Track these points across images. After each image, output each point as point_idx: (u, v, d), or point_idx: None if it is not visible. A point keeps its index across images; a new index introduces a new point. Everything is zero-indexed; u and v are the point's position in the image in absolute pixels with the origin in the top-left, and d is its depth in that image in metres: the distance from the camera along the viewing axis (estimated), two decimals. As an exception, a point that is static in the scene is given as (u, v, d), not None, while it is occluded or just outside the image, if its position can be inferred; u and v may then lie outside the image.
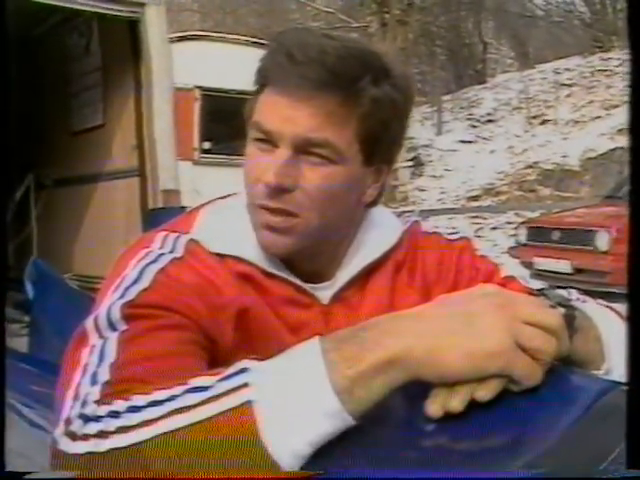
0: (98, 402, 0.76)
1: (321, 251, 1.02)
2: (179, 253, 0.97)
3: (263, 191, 0.95)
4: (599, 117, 16.57)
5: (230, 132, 8.26)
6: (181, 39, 7.87)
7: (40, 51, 5.81)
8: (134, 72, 4.91)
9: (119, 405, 0.74)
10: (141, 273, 0.92)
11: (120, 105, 5.12)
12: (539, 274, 7.87)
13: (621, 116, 14.41)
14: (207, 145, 8.33)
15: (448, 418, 0.73)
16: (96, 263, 5.10)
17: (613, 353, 0.92)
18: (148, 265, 0.94)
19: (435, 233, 1.14)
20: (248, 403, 0.70)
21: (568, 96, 18.05)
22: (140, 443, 0.71)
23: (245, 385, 0.72)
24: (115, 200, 5.22)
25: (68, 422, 0.75)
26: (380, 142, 0.98)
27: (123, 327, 0.85)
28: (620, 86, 16.42)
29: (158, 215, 4.50)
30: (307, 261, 1.01)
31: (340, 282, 1.04)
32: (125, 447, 0.71)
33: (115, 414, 0.73)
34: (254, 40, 8.68)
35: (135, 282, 0.91)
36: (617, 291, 6.00)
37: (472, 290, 0.79)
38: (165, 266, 0.94)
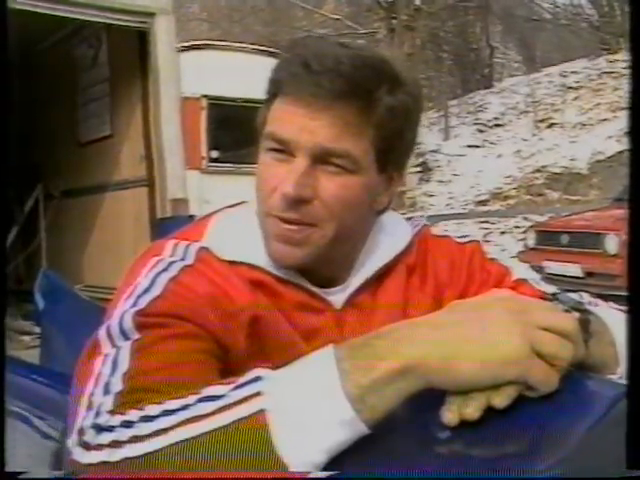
0: (111, 412, 0.75)
1: (334, 258, 1.01)
2: (190, 261, 0.96)
3: (280, 202, 0.93)
4: (606, 120, 16.53)
5: (238, 140, 8.28)
6: (188, 48, 7.89)
7: (49, 63, 5.85)
8: (142, 82, 4.93)
9: (132, 415, 0.74)
10: (153, 282, 0.92)
11: (128, 115, 5.14)
12: (549, 278, 7.85)
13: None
14: (215, 154, 8.34)
15: (464, 425, 0.72)
16: (105, 273, 5.12)
17: (625, 358, 0.90)
18: (159, 274, 0.93)
19: (445, 237, 1.15)
20: (261, 412, 0.70)
21: (575, 99, 18.02)
22: (153, 452, 0.71)
23: (258, 394, 0.72)
24: (124, 210, 5.24)
25: (81, 432, 0.75)
26: (394, 150, 0.99)
27: (135, 336, 0.85)
28: (627, 88, 16.38)
29: (167, 224, 4.51)
30: (319, 268, 1.01)
31: (352, 286, 1.04)
32: (138, 456, 0.71)
33: (128, 424, 0.73)
34: (261, 48, 8.70)
35: (147, 291, 0.91)
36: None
37: (485, 296, 0.79)
38: (176, 274, 0.93)
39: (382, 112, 0.94)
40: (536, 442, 0.70)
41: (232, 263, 0.98)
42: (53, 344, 2.18)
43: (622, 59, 18.27)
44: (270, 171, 0.96)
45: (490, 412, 0.73)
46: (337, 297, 1.03)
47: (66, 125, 5.88)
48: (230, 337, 0.92)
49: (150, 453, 0.71)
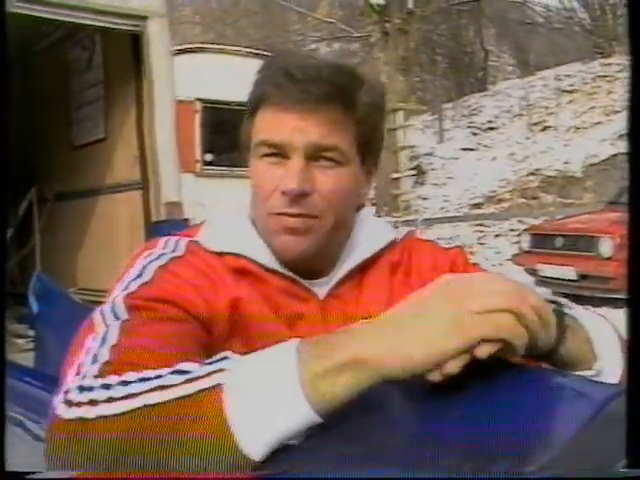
0: (95, 377, 0.83)
1: (327, 248, 1.08)
2: (180, 252, 1.05)
3: (283, 199, 1.02)
4: (600, 123, 16.57)
5: (232, 144, 8.26)
6: (182, 51, 7.89)
7: (43, 65, 5.84)
8: (136, 85, 4.93)
9: (112, 379, 0.81)
10: (143, 269, 1.01)
11: (122, 118, 5.13)
12: (543, 281, 7.86)
13: (622, 122, 14.40)
14: (209, 157, 8.34)
15: (455, 424, 0.74)
16: (100, 276, 5.11)
17: (604, 354, 0.94)
18: (150, 262, 1.02)
19: (429, 240, 1.24)
20: (219, 386, 0.76)
21: (569, 102, 18.06)
22: (123, 413, 0.78)
23: (221, 370, 0.78)
24: (118, 213, 5.23)
25: (67, 392, 0.82)
26: (371, 143, 1.10)
27: (125, 316, 0.92)
28: (621, 92, 16.42)
29: (161, 227, 4.51)
30: (308, 260, 1.07)
31: (336, 278, 1.10)
32: (110, 416, 0.78)
33: (107, 386, 0.81)
34: (255, 52, 8.71)
35: (137, 277, 1.00)
36: (622, 297, 5.99)
37: (429, 287, 0.84)
38: (166, 263, 1.02)
39: (362, 110, 1.05)
40: (526, 444, 0.71)
41: (220, 254, 1.06)
42: (47, 347, 2.18)
43: (616, 62, 18.33)
44: (267, 175, 1.04)
45: (480, 413, 0.74)
46: (321, 288, 1.09)
47: (60, 128, 5.87)
48: (214, 321, 0.99)
49: (120, 414, 0.78)
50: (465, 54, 24.24)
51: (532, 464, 0.68)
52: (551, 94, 18.61)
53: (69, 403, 0.80)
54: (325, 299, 1.09)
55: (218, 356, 0.81)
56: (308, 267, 1.08)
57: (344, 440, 0.77)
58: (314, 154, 1.02)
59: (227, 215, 1.15)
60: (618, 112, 15.98)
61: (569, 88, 18.64)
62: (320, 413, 0.75)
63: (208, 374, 0.78)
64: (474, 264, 1.19)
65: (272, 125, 1.03)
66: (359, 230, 1.15)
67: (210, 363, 0.80)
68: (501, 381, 0.80)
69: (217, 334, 0.98)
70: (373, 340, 0.78)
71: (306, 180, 1.01)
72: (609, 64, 18.74)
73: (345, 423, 0.78)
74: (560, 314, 0.90)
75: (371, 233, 1.15)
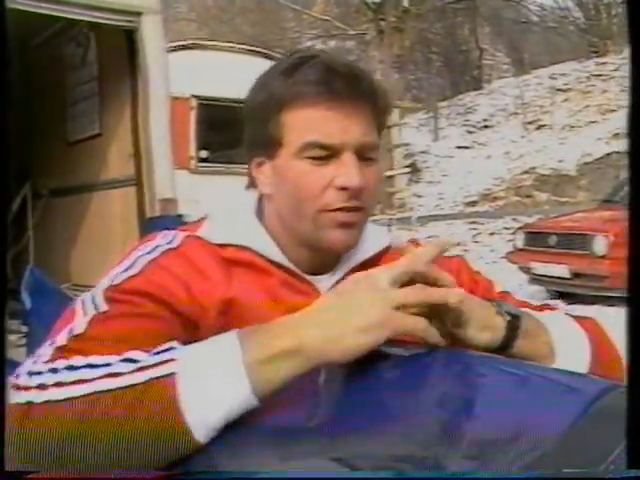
0: (46, 362, 0.85)
1: None
2: (175, 244, 1.05)
3: (339, 195, 1.03)
4: (595, 122, 16.61)
5: (226, 141, 8.28)
6: (177, 48, 7.88)
7: (37, 61, 5.82)
8: (131, 81, 4.91)
9: (59, 363, 0.84)
10: (134, 262, 1.01)
11: (116, 114, 5.12)
12: (537, 279, 7.88)
13: (617, 120, 14.46)
14: (204, 154, 8.34)
15: (446, 420, 0.74)
16: (93, 273, 5.08)
17: (562, 357, 1.02)
18: (143, 255, 1.02)
19: None
20: (172, 375, 0.81)
21: (564, 101, 18.09)
22: (72, 399, 0.80)
23: (171, 360, 0.82)
24: (112, 209, 5.22)
25: (17, 376, 0.84)
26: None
27: (104, 308, 0.94)
28: (616, 90, 16.46)
29: (155, 224, 4.50)
30: (317, 253, 1.08)
31: (339, 274, 1.10)
32: (59, 400, 0.80)
33: (54, 370, 0.83)
34: (250, 48, 8.70)
35: (127, 269, 1.00)
36: (615, 295, 6.00)
37: (348, 282, 0.92)
38: (157, 256, 1.02)
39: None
40: (516, 438, 0.71)
41: (221, 246, 1.06)
42: (40, 343, 2.17)
43: (610, 61, 18.37)
44: (314, 174, 1.03)
45: (470, 408, 0.76)
46: (323, 284, 1.09)
47: (54, 124, 5.85)
48: (201, 316, 1.00)
49: (69, 399, 0.80)
50: (460, 52, 24.26)
51: (520, 460, 0.68)
52: (546, 93, 18.65)
53: (18, 387, 0.82)
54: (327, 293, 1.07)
55: (165, 346, 0.85)
56: (311, 263, 1.09)
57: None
58: (360, 151, 1.03)
59: (231, 210, 1.15)
60: (613, 111, 16.01)
61: (564, 87, 18.67)
62: (261, 397, 0.82)
63: (159, 363, 0.82)
64: (478, 272, 1.22)
65: (319, 125, 1.02)
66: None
67: (158, 352, 0.84)
68: (491, 377, 0.80)
69: (206, 328, 0.98)
70: (313, 328, 0.85)
71: (362, 175, 1.03)
72: (604, 63, 18.78)
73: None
74: (513, 326, 0.98)
75: (373, 234, 1.16)
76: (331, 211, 1.03)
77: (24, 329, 2.33)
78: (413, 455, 0.72)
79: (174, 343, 0.86)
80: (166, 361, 0.82)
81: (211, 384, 0.81)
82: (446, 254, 1.20)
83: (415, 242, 1.22)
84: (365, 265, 1.11)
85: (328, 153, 1.02)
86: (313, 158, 1.03)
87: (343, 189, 1.02)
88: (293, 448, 0.79)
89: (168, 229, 1.11)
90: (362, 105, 1.03)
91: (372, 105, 1.05)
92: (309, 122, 1.02)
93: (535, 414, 0.73)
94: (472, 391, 0.79)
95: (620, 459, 0.68)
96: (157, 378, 0.81)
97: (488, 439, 0.72)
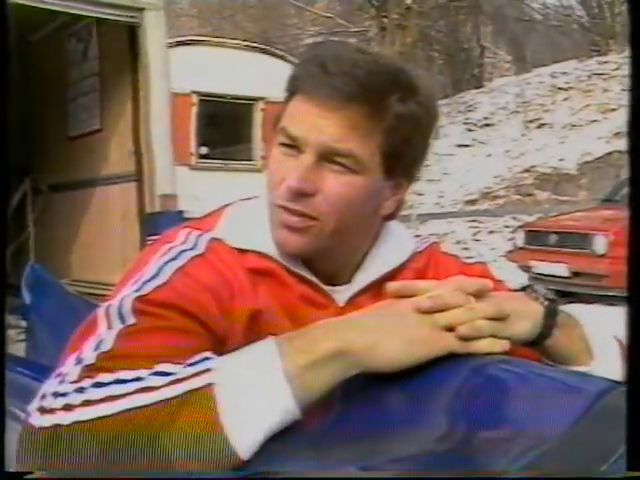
0: (73, 382, 0.80)
1: (337, 253, 1.05)
2: (200, 250, 0.99)
3: (285, 193, 0.98)
4: (596, 121, 16.58)
5: (226, 137, 8.28)
6: (179, 44, 7.88)
7: (38, 56, 5.81)
8: (132, 77, 4.91)
9: (85, 382, 0.79)
10: (160, 269, 0.95)
11: (117, 110, 5.12)
12: (537, 278, 7.87)
13: (618, 120, 14.43)
14: (204, 150, 8.34)
15: (445, 420, 0.74)
16: (93, 268, 5.10)
17: (600, 354, 0.96)
18: (168, 262, 0.96)
19: (454, 255, 1.20)
20: (210, 385, 0.77)
21: (565, 100, 18.07)
22: (103, 417, 0.76)
23: (207, 370, 0.79)
24: (112, 205, 5.22)
25: (43, 398, 0.80)
26: (401, 157, 1.01)
27: (131, 321, 0.88)
28: (617, 89, 16.44)
29: (155, 219, 4.50)
30: (324, 262, 1.04)
31: (357, 286, 1.07)
32: (88, 420, 0.76)
33: (81, 389, 0.78)
34: (252, 45, 8.70)
35: (153, 278, 0.93)
36: (614, 294, 6.00)
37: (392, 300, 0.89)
38: (184, 264, 0.96)
39: (391, 119, 0.97)
40: (517, 437, 0.71)
41: (242, 251, 1.01)
42: (39, 338, 2.17)
43: (612, 60, 18.34)
44: (279, 164, 1.00)
45: (471, 408, 0.75)
46: (341, 295, 1.06)
47: (55, 119, 5.85)
48: (228, 329, 0.95)
49: (100, 418, 0.76)
50: (462, 50, 24.24)
51: (522, 458, 0.68)
52: (547, 91, 18.62)
53: (42, 410, 0.78)
54: (344, 306, 1.05)
55: (199, 357, 0.82)
56: (327, 271, 1.05)
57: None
58: (327, 155, 0.96)
59: (249, 208, 1.09)
60: (614, 110, 15.98)
61: (565, 86, 18.64)
62: (301, 406, 0.78)
63: (196, 374, 0.79)
64: (500, 281, 1.14)
65: (295, 115, 0.99)
66: (384, 240, 1.11)
67: (193, 364, 0.81)
68: (492, 376, 0.80)
69: (231, 341, 0.94)
70: (356, 333, 0.82)
71: (309, 180, 0.96)
72: (605, 62, 18.76)
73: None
74: (551, 311, 0.94)
75: (395, 244, 1.11)
76: (278, 207, 0.99)
77: (23, 324, 2.33)
78: (419, 455, 0.73)
79: (208, 353, 0.82)
80: (202, 372, 0.79)
81: (251, 395, 0.77)
82: (466, 260, 1.19)
83: (437, 244, 1.19)
84: (390, 278, 1.05)
85: (294, 145, 0.98)
86: (284, 146, 0.99)
87: (287, 187, 0.97)
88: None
89: (169, 225, 1.08)
90: (349, 109, 0.95)
91: (368, 111, 0.96)
92: (291, 110, 1.00)
93: (536, 413, 0.73)
94: (473, 390, 0.79)
95: (622, 460, 0.68)
96: (195, 390, 0.77)
97: (486, 440, 0.72)
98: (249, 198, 1.12)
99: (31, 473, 0.79)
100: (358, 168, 0.97)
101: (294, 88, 1.00)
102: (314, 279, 1.04)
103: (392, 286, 0.91)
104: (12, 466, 0.82)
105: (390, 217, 1.09)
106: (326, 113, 0.95)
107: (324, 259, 1.04)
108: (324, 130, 0.95)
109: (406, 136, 0.99)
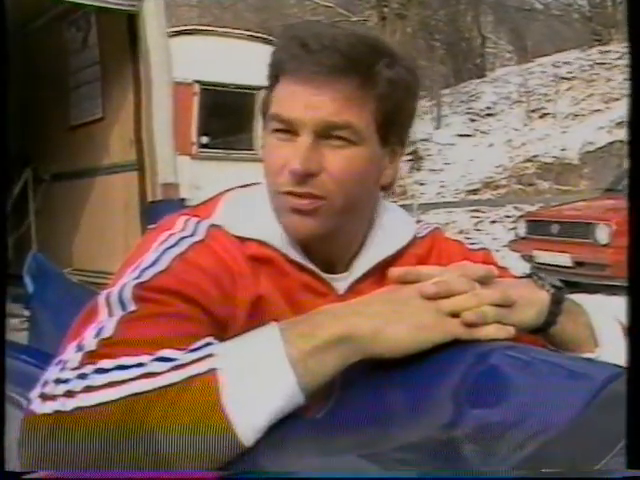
0: (74, 369, 0.80)
1: (341, 234, 1.04)
2: (200, 237, 0.98)
3: (289, 178, 0.97)
4: (598, 110, 16.56)
5: (228, 127, 8.27)
6: (180, 33, 7.86)
7: (38, 45, 5.79)
8: (133, 66, 4.89)
9: (87, 368, 0.79)
10: (160, 256, 0.94)
11: (119, 99, 5.10)
12: (539, 267, 7.87)
13: (620, 109, 14.40)
14: (205, 140, 8.32)
15: (447, 410, 0.74)
16: (95, 257, 5.10)
17: (605, 342, 0.96)
18: (168, 249, 0.95)
19: (457, 241, 1.18)
20: (212, 370, 0.77)
21: (567, 89, 18.04)
22: (105, 403, 0.76)
23: (210, 355, 0.79)
24: (114, 194, 5.21)
25: (44, 385, 0.80)
26: (394, 123, 1.02)
27: (132, 307, 0.87)
28: (619, 79, 16.40)
29: (157, 208, 4.49)
30: (325, 249, 1.03)
31: (356, 274, 1.06)
32: (90, 406, 0.76)
33: (82, 375, 0.78)
34: (252, 34, 8.67)
35: (152, 264, 0.93)
36: (617, 284, 6.00)
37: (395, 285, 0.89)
38: (184, 250, 0.95)
39: (383, 85, 0.98)
40: (522, 425, 0.70)
41: (242, 239, 1.00)
42: (42, 327, 2.17)
43: (614, 50, 18.28)
44: (276, 151, 0.99)
45: (473, 398, 0.74)
46: (341, 283, 1.05)
47: (57, 108, 5.84)
48: (230, 315, 0.95)
49: (101, 404, 0.76)
50: (463, 40, 24.15)
51: (529, 444, 0.68)
52: (549, 81, 18.58)
53: (44, 397, 0.78)
54: (344, 294, 1.04)
55: (202, 342, 0.82)
56: (326, 258, 1.04)
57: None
58: (325, 132, 0.96)
59: (250, 194, 1.08)
60: (616, 100, 15.96)
61: (567, 75, 18.61)
62: (307, 392, 0.78)
63: (198, 359, 0.79)
64: (504, 267, 1.13)
65: (286, 99, 0.98)
66: (384, 225, 1.10)
67: (195, 349, 0.80)
68: (497, 362, 0.80)
69: (232, 328, 0.93)
70: (360, 318, 0.82)
71: (312, 160, 0.96)
72: (608, 51, 18.71)
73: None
74: (557, 299, 0.94)
75: (395, 226, 1.11)
76: (284, 193, 0.98)
77: (26, 313, 2.33)
78: (423, 442, 0.72)
79: (210, 339, 0.83)
80: (205, 357, 0.79)
81: (254, 381, 0.77)
82: (470, 246, 1.17)
83: (439, 229, 1.18)
84: (388, 265, 1.04)
85: (289, 129, 0.97)
86: (278, 131, 0.98)
87: (290, 172, 0.96)
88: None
89: (171, 214, 1.05)
90: (340, 81, 0.95)
91: (359, 81, 0.96)
92: (279, 95, 0.99)
93: (542, 399, 0.72)
94: (477, 376, 0.78)
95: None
96: (197, 375, 0.77)
97: (490, 429, 0.72)
98: (246, 185, 1.11)
99: (31, 473, 0.78)
100: (357, 139, 0.98)
101: (278, 72, 1.00)
102: (313, 268, 1.03)
103: (395, 272, 0.90)
104: (12, 461, 0.81)
105: (388, 187, 1.09)
106: (317, 90, 0.95)
107: (326, 244, 1.03)
108: (319, 106, 0.95)
109: (398, 101, 1.01)
